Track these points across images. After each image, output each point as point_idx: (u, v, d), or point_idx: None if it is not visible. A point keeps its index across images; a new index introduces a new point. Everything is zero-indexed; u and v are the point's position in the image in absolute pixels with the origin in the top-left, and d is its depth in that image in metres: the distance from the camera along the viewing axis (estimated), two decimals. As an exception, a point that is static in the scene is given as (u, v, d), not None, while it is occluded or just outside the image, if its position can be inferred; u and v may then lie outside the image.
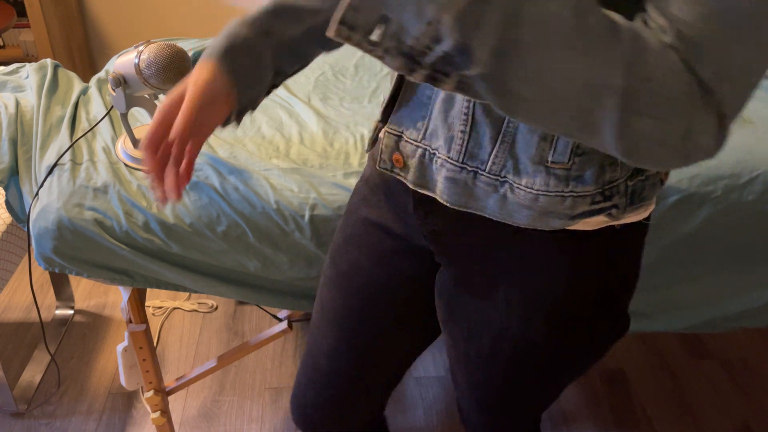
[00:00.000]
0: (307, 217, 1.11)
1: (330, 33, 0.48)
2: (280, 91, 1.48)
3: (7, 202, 1.22)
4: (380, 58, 0.49)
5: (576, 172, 0.63)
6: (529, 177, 0.64)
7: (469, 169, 0.66)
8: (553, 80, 0.46)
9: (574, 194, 0.64)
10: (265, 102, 1.43)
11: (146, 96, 1.17)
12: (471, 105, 0.65)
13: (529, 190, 0.64)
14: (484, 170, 0.66)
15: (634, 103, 0.47)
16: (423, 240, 0.80)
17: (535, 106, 0.49)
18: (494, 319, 0.76)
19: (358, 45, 0.49)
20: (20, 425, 1.58)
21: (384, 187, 0.83)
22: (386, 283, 0.87)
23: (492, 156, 0.65)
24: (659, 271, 1.20)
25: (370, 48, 0.49)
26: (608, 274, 0.72)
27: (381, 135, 0.75)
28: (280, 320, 1.42)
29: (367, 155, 0.95)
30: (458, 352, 0.84)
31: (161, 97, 1.40)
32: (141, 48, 1.08)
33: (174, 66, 1.08)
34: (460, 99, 0.66)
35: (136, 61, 1.07)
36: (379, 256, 0.86)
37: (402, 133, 0.71)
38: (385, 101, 0.74)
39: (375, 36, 0.49)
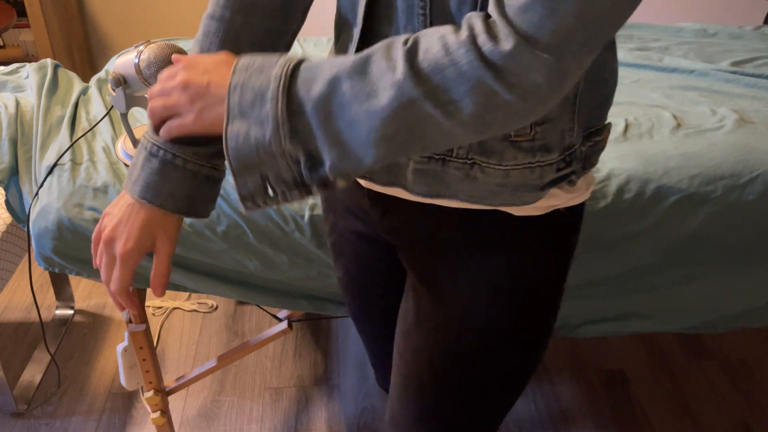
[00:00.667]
0: (307, 217, 1.11)
1: (245, 212, 0.58)
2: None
3: (7, 202, 1.22)
4: (285, 201, 0.59)
5: (540, 142, 0.65)
6: (497, 154, 0.65)
7: (437, 157, 0.67)
8: (374, 124, 0.53)
9: (542, 164, 0.66)
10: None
11: (146, 96, 1.17)
12: None
13: (498, 167, 0.65)
14: (452, 155, 0.66)
15: (441, 96, 0.51)
16: (385, 235, 0.82)
17: (387, 146, 0.54)
18: (458, 311, 0.76)
19: (266, 206, 0.60)
20: (20, 425, 1.58)
21: (339, 193, 0.84)
22: (376, 282, 0.90)
23: None
24: (659, 272, 1.20)
25: (276, 201, 0.59)
26: (558, 256, 0.75)
27: None
28: (280, 320, 1.42)
29: None
30: (418, 354, 0.81)
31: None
32: (141, 48, 1.08)
33: (174, 66, 1.08)
34: None
35: (136, 61, 1.07)
36: (360, 259, 0.89)
37: None
38: None
39: (270, 191, 0.59)
